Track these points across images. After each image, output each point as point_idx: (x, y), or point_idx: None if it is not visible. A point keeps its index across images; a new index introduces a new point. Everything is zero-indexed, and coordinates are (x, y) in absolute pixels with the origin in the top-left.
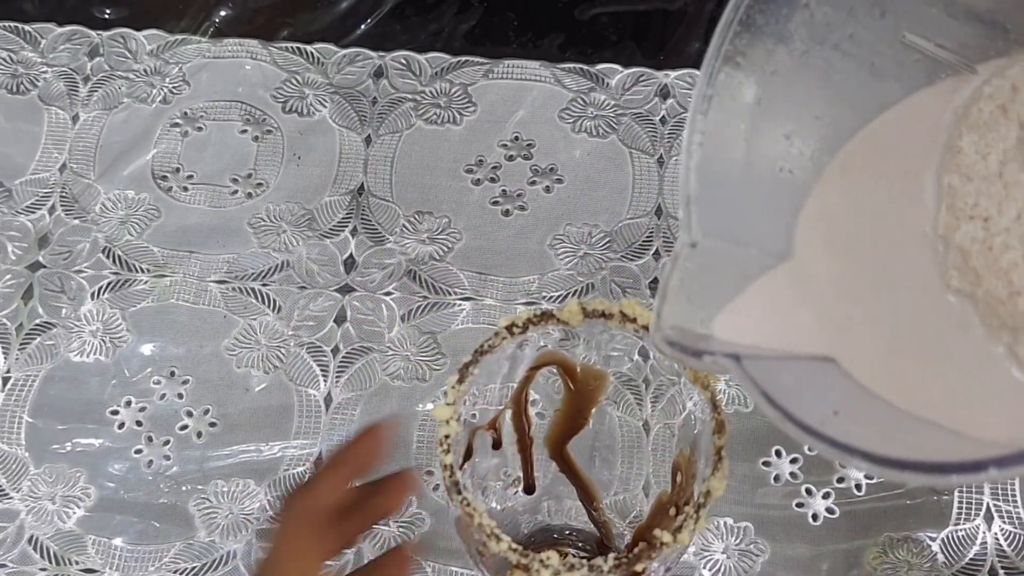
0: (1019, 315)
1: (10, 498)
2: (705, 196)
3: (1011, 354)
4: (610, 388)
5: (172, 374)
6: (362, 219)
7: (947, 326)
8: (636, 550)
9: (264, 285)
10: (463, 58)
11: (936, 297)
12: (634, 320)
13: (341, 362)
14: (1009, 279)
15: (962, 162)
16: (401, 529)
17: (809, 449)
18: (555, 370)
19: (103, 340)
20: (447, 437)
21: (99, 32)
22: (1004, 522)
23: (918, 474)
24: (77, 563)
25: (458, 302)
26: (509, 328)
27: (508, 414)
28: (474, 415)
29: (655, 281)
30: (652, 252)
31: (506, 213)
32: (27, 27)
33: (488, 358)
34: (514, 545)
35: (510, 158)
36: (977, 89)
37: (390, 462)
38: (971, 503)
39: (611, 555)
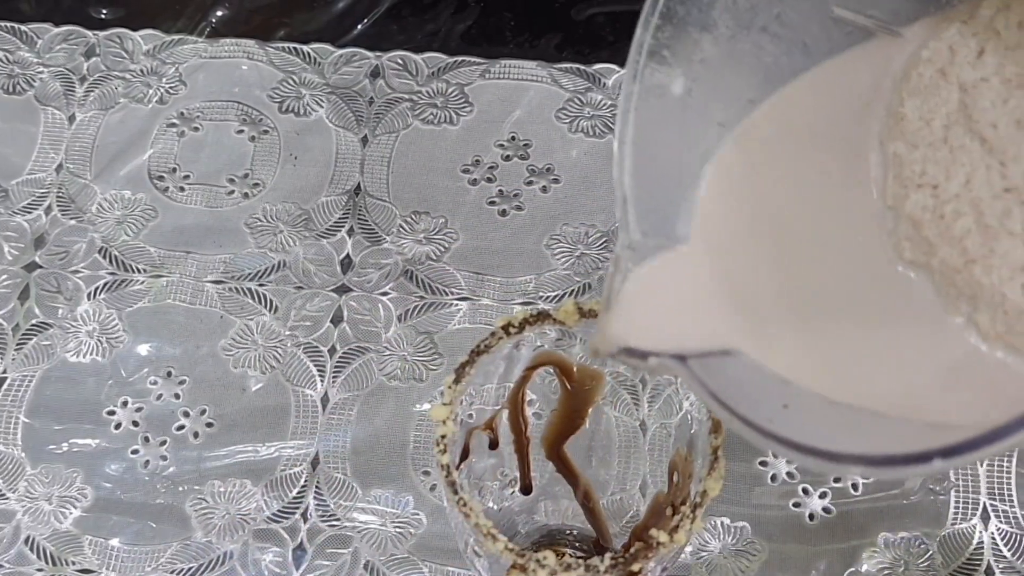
0: (975, 283)
1: (6, 499)
2: (641, 194)
3: (971, 323)
4: (607, 388)
5: (169, 374)
6: (359, 219)
7: (895, 301)
8: (632, 550)
9: (261, 285)
10: (460, 58)
11: (882, 271)
12: None
13: (338, 362)
14: (963, 247)
15: (906, 129)
16: (398, 529)
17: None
18: (551, 370)
19: (99, 340)
20: (443, 437)
21: (95, 32)
22: (1000, 522)
23: (867, 467)
24: (74, 563)
25: (455, 302)
26: (505, 328)
27: (505, 414)
28: (471, 415)
29: None
30: None
31: (503, 213)
32: (23, 27)
33: (484, 358)
34: (511, 545)
35: (507, 158)
36: (915, 53)
37: (388, 463)
38: (967, 503)
39: (608, 555)
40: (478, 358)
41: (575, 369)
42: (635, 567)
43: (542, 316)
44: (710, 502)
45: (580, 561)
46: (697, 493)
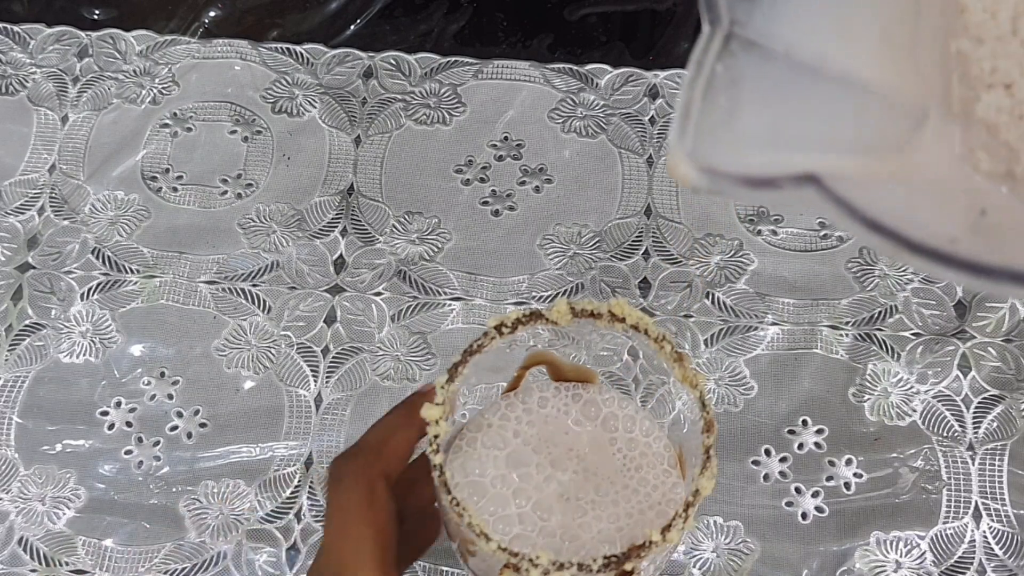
0: None
1: (0, 499)
2: None
3: None
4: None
5: (162, 375)
6: (352, 219)
7: None
8: (626, 549)
9: (254, 285)
10: (452, 58)
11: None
12: (623, 320)
13: (331, 362)
14: None
15: (969, 22)
16: None
17: (799, 443)
18: (544, 370)
19: (93, 341)
20: (436, 437)
21: (88, 33)
22: (992, 520)
23: None
24: (67, 564)
25: (448, 302)
26: (498, 328)
27: None
28: (464, 415)
29: (644, 281)
30: (641, 252)
31: (496, 213)
32: (16, 28)
33: (477, 358)
34: (503, 544)
35: (500, 158)
36: None
37: None
38: (959, 501)
39: (601, 554)
40: (471, 358)
41: (567, 369)
42: (628, 566)
43: (535, 316)
44: (702, 501)
45: (572, 560)
46: (690, 492)
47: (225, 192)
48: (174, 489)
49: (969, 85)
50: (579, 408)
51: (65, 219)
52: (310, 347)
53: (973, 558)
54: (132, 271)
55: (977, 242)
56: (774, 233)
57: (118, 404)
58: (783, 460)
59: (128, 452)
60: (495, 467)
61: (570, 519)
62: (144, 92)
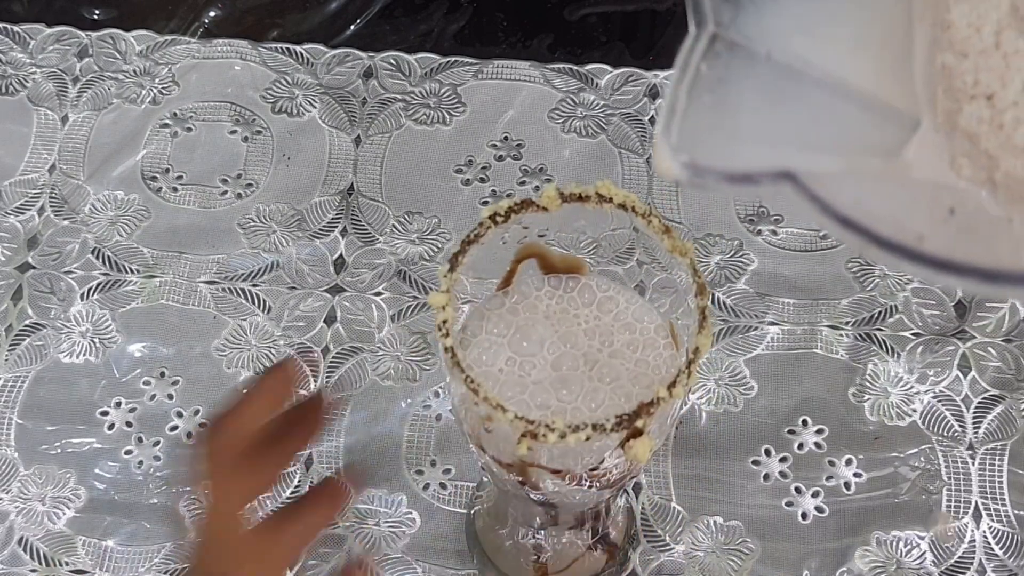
0: None
1: (0, 499)
2: None
3: None
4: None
5: (162, 375)
6: (352, 219)
7: None
8: (635, 407)
9: (254, 285)
10: (452, 58)
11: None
12: (610, 200)
13: (331, 362)
14: None
15: (954, 37)
16: (391, 529)
17: (792, 448)
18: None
19: (93, 341)
20: (445, 322)
21: (88, 33)
22: (992, 520)
23: None
24: (67, 564)
25: None
26: (492, 217)
27: None
28: (461, 312)
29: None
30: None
31: None
32: (16, 28)
33: (475, 248)
34: (519, 414)
35: (500, 158)
36: None
37: (381, 463)
38: (960, 501)
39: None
40: (469, 247)
41: (557, 259)
42: (639, 423)
43: (526, 204)
44: (702, 358)
45: (587, 422)
46: (690, 350)
47: (225, 192)
48: (174, 489)
49: (953, 97)
50: (575, 295)
51: (65, 219)
52: (310, 347)
53: (973, 558)
54: (132, 271)
55: (944, 239)
56: (774, 233)
57: (118, 404)
58: (783, 460)
59: (128, 452)
60: (501, 353)
61: (579, 397)
62: (144, 92)
